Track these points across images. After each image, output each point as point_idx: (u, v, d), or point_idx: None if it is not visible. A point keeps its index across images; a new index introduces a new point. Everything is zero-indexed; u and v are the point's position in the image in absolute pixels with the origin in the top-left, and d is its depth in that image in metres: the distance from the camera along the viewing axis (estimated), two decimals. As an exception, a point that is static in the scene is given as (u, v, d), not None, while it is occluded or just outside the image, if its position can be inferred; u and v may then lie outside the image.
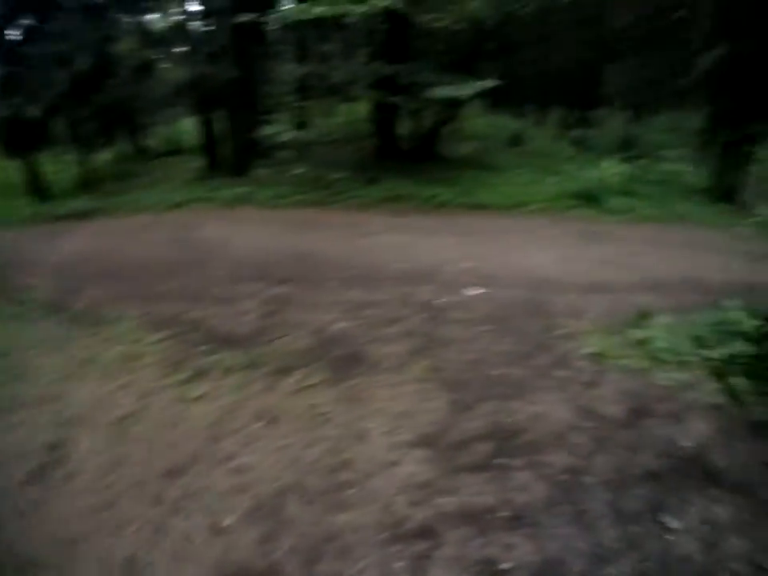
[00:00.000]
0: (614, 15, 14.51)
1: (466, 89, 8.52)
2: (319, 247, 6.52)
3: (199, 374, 3.78)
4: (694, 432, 3.39)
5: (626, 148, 12.23)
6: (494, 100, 16.90)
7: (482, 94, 9.35)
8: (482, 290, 5.27)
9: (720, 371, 3.88)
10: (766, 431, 3.35)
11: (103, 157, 12.10)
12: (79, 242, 6.93)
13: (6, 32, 10.56)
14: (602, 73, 16.21)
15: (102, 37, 10.69)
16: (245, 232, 7.24)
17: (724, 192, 10.93)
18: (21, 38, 10.52)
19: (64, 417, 3.36)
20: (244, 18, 8.32)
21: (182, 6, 11.44)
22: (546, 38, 14.32)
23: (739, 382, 3.71)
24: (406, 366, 3.94)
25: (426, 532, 2.52)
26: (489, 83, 8.57)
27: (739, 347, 3.92)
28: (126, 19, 12.24)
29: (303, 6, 8.65)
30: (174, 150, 13.74)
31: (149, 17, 13.45)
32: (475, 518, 2.61)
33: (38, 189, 10.65)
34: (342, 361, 3.99)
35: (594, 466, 3.02)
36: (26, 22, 10.51)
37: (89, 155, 10.68)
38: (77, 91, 10.10)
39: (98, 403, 3.48)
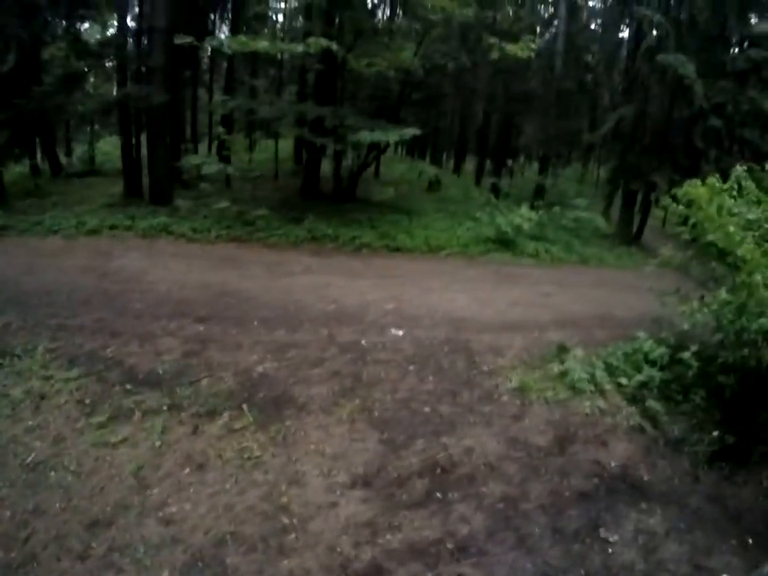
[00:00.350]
0: (533, 73, 16.06)
1: (390, 135, 8.80)
2: (241, 285, 6.33)
3: (120, 416, 3.49)
4: (619, 453, 3.70)
5: (539, 196, 13.34)
6: (415, 146, 17.84)
7: (404, 141, 9.71)
8: (405, 331, 5.36)
9: (635, 396, 4.31)
10: (683, 447, 3.75)
11: (17, 170, 10.99)
12: (-16, 264, 6.21)
13: None
14: (519, 125, 17.72)
15: (31, 37, 9.81)
16: (164, 265, 6.85)
17: (629, 236, 12.30)
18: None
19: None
20: (181, 40, 8.09)
21: (120, 20, 10.85)
22: (468, 91, 15.43)
23: (653, 404, 4.15)
24: (336, 407, 3.91)
25: (374, 571, 2.49)
26: (413, 131, 8.90)
27: (651, 373, 4.39)
28: (60, 23, 11.37)
29: (243, 38, 8.64)
30: (93, 171, 12.86)
31: (84, 25, 12.64)
32: (422, 553, 2.63)
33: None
34: (270, 402, 3.88)
35: (529, 493, 3.18)
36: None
37: (1, 167, 9.57)
38: (-4, 93, 9.04)
39: (7, 447, 3.10)
